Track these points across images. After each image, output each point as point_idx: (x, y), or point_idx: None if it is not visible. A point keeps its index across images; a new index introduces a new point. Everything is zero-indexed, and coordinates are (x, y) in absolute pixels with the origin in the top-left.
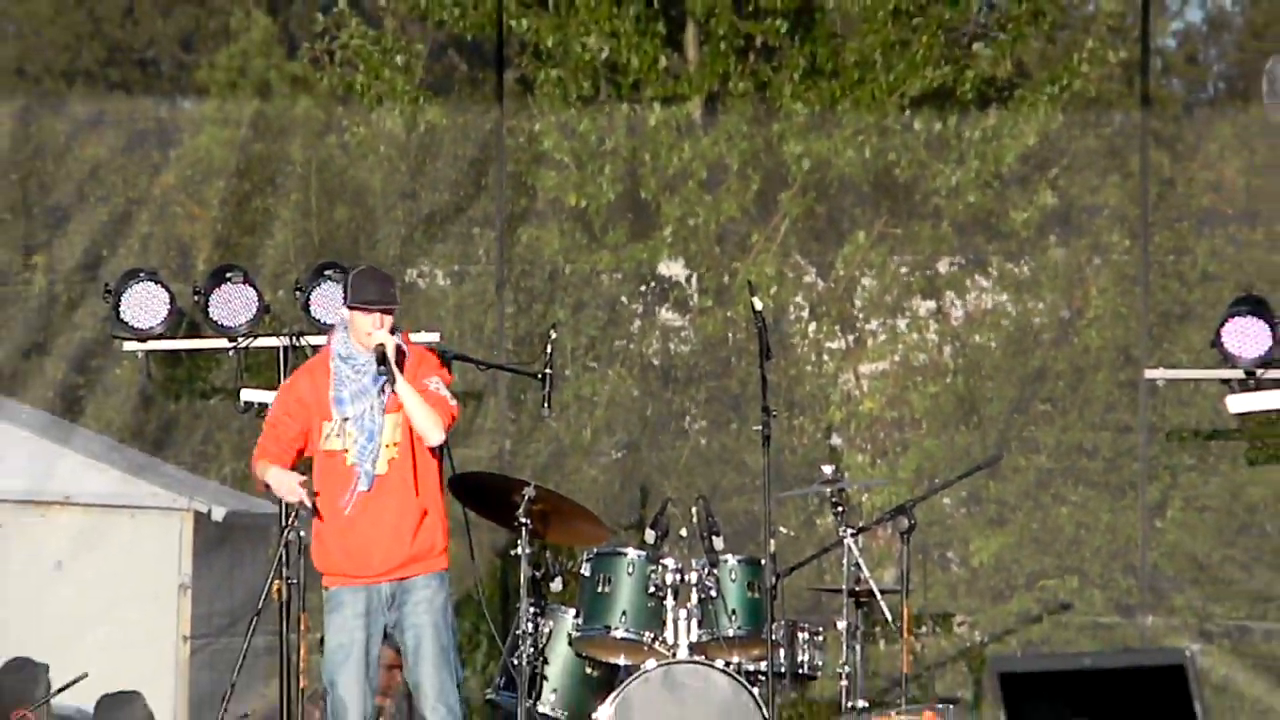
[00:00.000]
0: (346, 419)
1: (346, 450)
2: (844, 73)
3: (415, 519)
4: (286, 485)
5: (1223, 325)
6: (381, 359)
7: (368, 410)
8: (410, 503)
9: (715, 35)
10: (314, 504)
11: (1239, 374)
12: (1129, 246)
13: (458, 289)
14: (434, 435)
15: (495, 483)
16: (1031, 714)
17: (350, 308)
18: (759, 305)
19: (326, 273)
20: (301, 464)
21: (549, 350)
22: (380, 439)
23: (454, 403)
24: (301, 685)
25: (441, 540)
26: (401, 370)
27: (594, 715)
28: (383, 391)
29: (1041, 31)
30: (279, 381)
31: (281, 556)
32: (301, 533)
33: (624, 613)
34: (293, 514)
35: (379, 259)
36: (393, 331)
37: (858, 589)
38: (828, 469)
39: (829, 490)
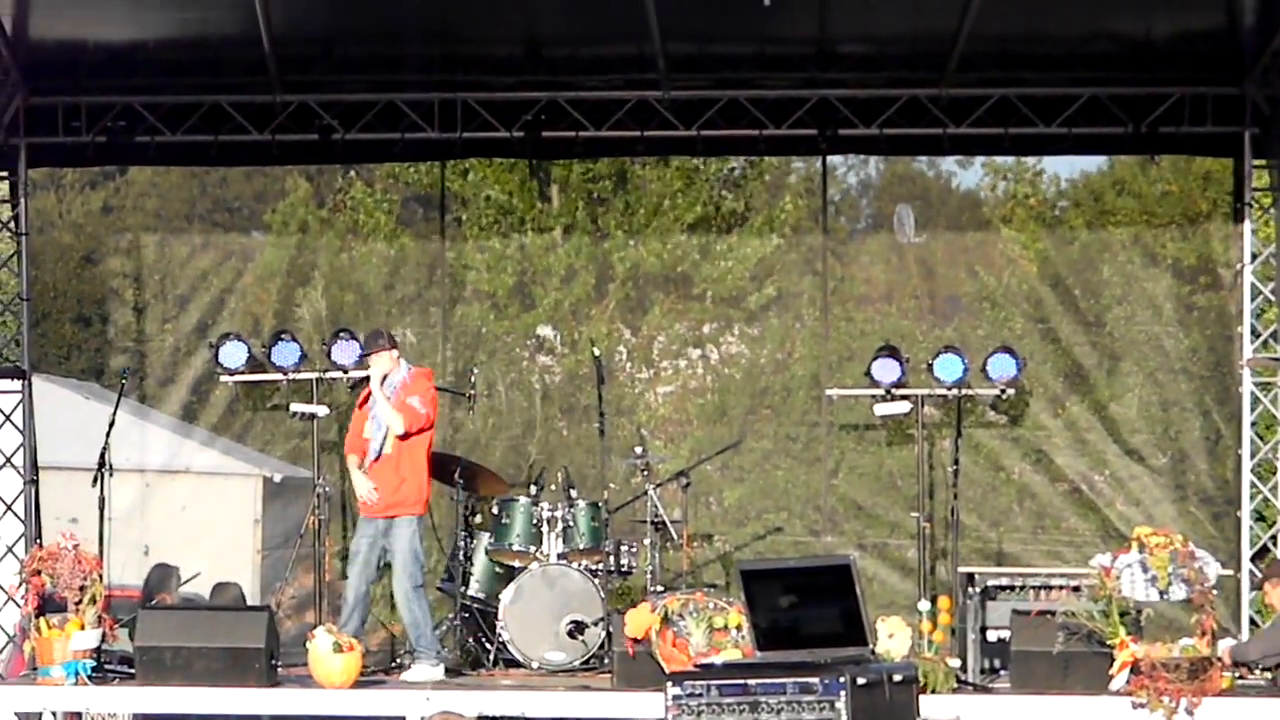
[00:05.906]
0: (371, 419)
1: (370, 438)
2: (646, 210)
3: (397, 481)
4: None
5: (872, 363)
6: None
7: (379, 415)
8: (394, 472)
9: (569, 190)
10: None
11: (882, 392)
12: (818, 317)
13: (419, 344)
14: (396, 428)
15: (440, 458)
16: (761, 595)
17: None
18: (597, 352)
19: (340, 334)
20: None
21: (472, 380)
22: (383, 432)
23: (423, 411)
24: (326, 578)
25: (415, 495)
26: (383, 389)
27: (500, 595)
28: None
29: (764, 185)
30: (315, 400)
31: (314, 503)
32: (327, 489)
33: (518, 534)
34: (322, 478)
35: (374, 325)
36: (383, 367)
37: (656, 520)
38: (638, 449)
39: (639, 462)
